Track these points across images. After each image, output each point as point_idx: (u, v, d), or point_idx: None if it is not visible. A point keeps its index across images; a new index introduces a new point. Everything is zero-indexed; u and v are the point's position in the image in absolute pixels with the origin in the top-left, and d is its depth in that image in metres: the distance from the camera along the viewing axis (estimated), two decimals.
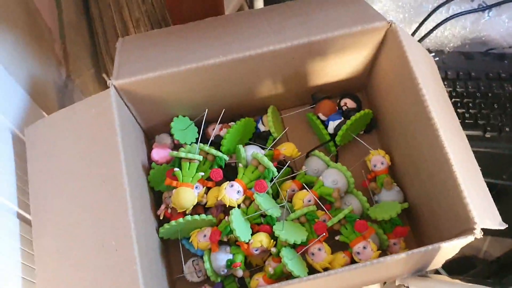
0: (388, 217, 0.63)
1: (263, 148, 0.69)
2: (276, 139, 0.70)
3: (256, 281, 0.62)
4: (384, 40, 0.65)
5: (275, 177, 0.65)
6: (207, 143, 0.68)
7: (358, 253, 0.62)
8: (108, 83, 0.60)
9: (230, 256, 0.62)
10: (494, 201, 0.59)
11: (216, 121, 0.70)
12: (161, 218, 0.65)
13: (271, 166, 0.63)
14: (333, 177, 0.66)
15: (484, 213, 0.54)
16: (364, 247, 0.62)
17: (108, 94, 0.59)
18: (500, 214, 0.58)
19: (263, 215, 0.64)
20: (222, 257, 0.62)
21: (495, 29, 0.90)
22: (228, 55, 0.61)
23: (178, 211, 0.63)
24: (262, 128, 0.73)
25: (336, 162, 0.72)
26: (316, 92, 0.74)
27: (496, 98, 0.84)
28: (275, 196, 0.68)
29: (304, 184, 0.67)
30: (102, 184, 0.55)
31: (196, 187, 0.64)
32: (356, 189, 0.68)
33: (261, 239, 0.61)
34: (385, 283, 0.71)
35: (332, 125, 0.71)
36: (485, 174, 0.62)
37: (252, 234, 0.62)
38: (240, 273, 0.62)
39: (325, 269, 0.62)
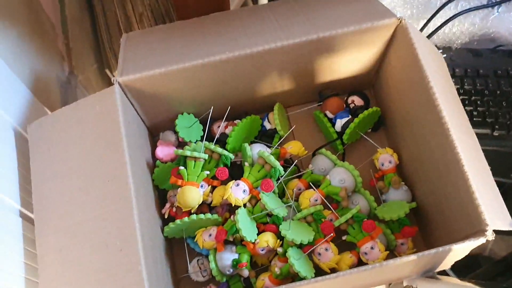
0: (396, 217, 0.62)
1: (269, 147, 0.68)
2: (282, 137, 0.69)
3: (262, 281, 0.61)
4: (394, 37, 0.63)
5: (281, 176, 0.64)
6: (212, 141, 0.67)
7: (366, 253, 0.61)
8: (112, 80, 0.59)
9: (236, 256, 0.61)
10: None
11: (221, 118, 0.69)
12: (165, 217, 0.65)
13: (278, 165, 0.62)
14: (340, 176, 0.65)
15: (495, 214, 0.53)
16: (372, 247, 0.61)
17: (113, 91, 0.58)
18: None
19: (269, 214, 0.63)
20: (227, 257, 0.61)
21: (504, 25, 0.89)
22: (235, 51, 0.60)
23: (183, 210, 0.62)
24: (268, 126, 0.72)
25: (343, 160, 0.71)
26: (323, 90, 0.73)
27: (505, 96, 0.83)
28: (281, 195, 0.67)
29: (310, 183, 0.66)
30: (107, 182, 0.55)
31: (202, 186, 0.63)
32: (364, 188, 0.67)
33: (267, 239, 0.60)
34: (390, 284, 0.70)
35: (339, 123, 0.70)
36: (492, 172, 0.61)
37: (258, 234, 0.61)
38: (246, 273, 0.61)
39: (332, 270, 0.61)
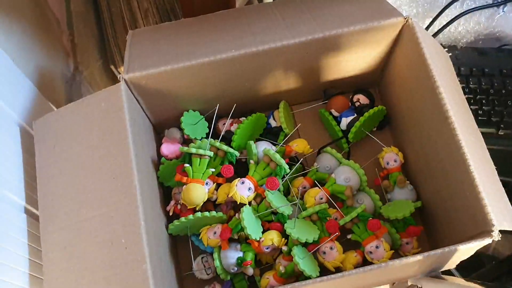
0: (401, 216, 0.62)
1: (274, 144, 0.68)
2: (288, 135, 0.69)
3: (267, 280, 0.61)
4: (400, 36, 0.63)
5: (286, 174, 0.64)
6: (218, 138, 0.67)
7: (371, 252, 0.61)
8: (118, 77, 0.58)
9: (241, 254, 0.62)
10: None
11: (227, 115, 0.69)
12: (170, 214, 0.65)
13: (283, 163, 0.62)
14: (346, 175, 0.65)
15: (501, 215, 0.53)
16: (377, 247, 0.61)
17: (119, 88, 0.57)
18: None
19: (274, 212, 0.63)
20: (232, 255, 0.61)
21: (509, 25, 0.88)
22: (241, 50, 0.60)
23: (188, 208, 0.62)
24: (273, 123, 0.72)
25: (348, 159, 0.71)
26: (328, 88, 0.73)
27: (510, 95, 0.82)
28: (286, 192, 0.67)
29: (315, 181, 0.66)
30: (112, 180, 0.54)
31: (207, 183, 0.63)
32: (369, 187, 0.66)
33: (272, 237, 0.60)
34: (394, 283, 0.70)
35: (344, 121, 0.69)
36: (498, 172, 0.61)
37: (263, 232, 0.61)
38: (250, 271, 0.61)
39: (337, 268, 0.61)
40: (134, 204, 0.53)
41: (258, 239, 0.60)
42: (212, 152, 0.63)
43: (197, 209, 0.63)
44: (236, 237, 0.62)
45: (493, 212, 0.51)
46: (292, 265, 0.60)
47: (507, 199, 0.58)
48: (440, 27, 0.87)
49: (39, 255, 0.55)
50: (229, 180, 0.64)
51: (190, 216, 0.60)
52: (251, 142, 0.65)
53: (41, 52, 0.73)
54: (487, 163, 0.60)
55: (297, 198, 0.64)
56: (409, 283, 0.63)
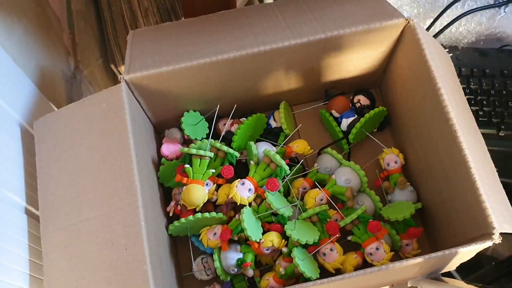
0: (402, 217, 0.62)
1: (274, 145, 0.68)
2: (288, 136, 0.69)
3: (267, 281, 0.61)
4: (401, 37, 0.63)
5: (287, 175, 0.64)
6: (218, 139, 0.67)
7: (371, 254, 0.61)
8: (119, 78, 0.58)
9: (240, 255, 0.62)
10: None
11: (227, 116, 0.69)
12: (170, 215, 0.64)
13: (284, 164, 0.62)
14: (346, 176, 0.65)
15: (502, 217, 0.53)
16: (377, 248, 0.61)
17: (119, 89, 0.57)
18: None
19: (275, 213, 0.63)
20: (232, 256, 0.61)
21: (510, 25, 0.88)
22: (242, 50, 0.59)
23: (188, 208, 0.62)
24: (273, 124, 0.72)
25: (348, 160, 0.71)
26: (329, 88, 0.73)
27: (511, 96, 0.83)
28: (286, 193, 0.67)
29: (316, 182, 0.66)
30: (112, 180, 0.54)
31: (207, 184, 0.63)
32: (369, 188, 0.66)
33: (272, 239, 0.60)
34: (393, 285, 0.70)
35: (345, 122, 0.69)
36: (498, 173, 0.60)
37: (263, 233, 0.61)
38: (250, 272, 0.61)
39: (337, 270, 0.61)
40: (135, 204, 0.53)
41: (258, 240, 0.60)
42: (213, 153, 0.63)
43: (197, 209, 0.63)
44: (236, 238, 0.62)
45: (493, 214, 0.51)
46: (292, 266, 0.60)
47: (508, 201, 0.58)
48: (441, 28, 0.87)
49: (40, 255, 0.55)
50: (229, 180, 0.64)
51: (190, 217, 0.60)
52: (251, 142, 0.65)
53: (42, 51, 0.73)
54: (487, 164, 0.60)
55: (297, 199, 0.64)
56: (409, 285, 0.63)
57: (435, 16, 0.87)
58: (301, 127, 0.73)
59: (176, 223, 0.61)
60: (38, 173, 0.58)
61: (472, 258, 0.58)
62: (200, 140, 0.66)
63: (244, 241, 0.63)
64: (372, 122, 0.70)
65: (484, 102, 0.83)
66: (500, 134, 0.81)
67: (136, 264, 0.51)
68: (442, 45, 0.87)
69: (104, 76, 1.00)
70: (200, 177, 0.62)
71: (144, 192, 0.55)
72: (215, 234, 0.62)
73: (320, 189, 0.64)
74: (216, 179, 0.65)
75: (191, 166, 0.62)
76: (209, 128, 0.69)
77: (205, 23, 0.66)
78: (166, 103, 0.66)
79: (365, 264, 0.62)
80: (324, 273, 0.60)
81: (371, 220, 0.61)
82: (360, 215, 0.61)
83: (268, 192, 0.61)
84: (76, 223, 0.54)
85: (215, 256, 0.61)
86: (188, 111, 0.68)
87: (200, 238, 0.63)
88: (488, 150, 0.62)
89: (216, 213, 0.62)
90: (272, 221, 0.63)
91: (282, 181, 0.64)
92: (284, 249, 0.61)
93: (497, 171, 0.61)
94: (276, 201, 0.61)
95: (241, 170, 0.67)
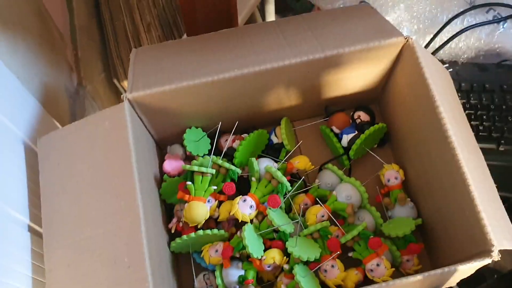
0: (402, 234, 0.62)
1: (275, 161, 0.69)
2: (289, 152, 0.69)
3: None
4: (400, 55, 0.64)
5: (288, 192, 0.65)
6: (220, 155, 0.68)
7: (371, 270, 0.61)
8: (122, 97, 0.59)
9: (242, 272, 0.62)
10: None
11: (229, 131, 0.70)
12: (172, 232, 0.65)
13: (285, 181, 0.62)
14: (347, 192, 0.65)
15: (501, 234, 0.53)
16: (378, 264, 0.61)
17: (122, 108, 0.58)
18: None
19: (276, 230, 0.63)
20: (234, 273, 0.61)
21: (509, 41, 0.89)
22: (243, 69, 0.60)
23: (190, 225, 0.63)
24: (275, 140, 0.72)
25: (349, 175, 0.71)
26: (329, 105, 0.73)
27: (510, 111, 0.83)
28: (288, 209, 0.68)
29: (317, 198, 0.67)
30: (115, 198, 0.55)
31: (209, 201, 0.63)
32: (370, 204, 0.67)
33: (274, 256, 0.61)
34: None
35: (346, 138, 0.70)
36: (497, 188, 0.61)
37: (264, 250, 0.62)
38: None
39: (338, 286, 0.62)
40: (137, 223, 0.53)
41: (259, 257, 0.60)
42: (214, 170, 0.63)
43: (199, 226, 0.63)
44: (237, 255, 0.62)
45: (492, 231, 0.51)
46: (293, 283, 0.60)
47: (507, 217, 0.59)
48: (441, 43, 0.88)
49: (43, 273, 0.55)
50: (231, 197, 0.65)
51: (192, 234, 0.61)
52: (253, 159, 0.65)
53: (45, 67, 0.74)
54: (487, 181, 0.60)
55: (299, 216, 0.65)
56: None
57: (435, 32, 0.87)
58: (302, 142, 0.74)
59: (178, 240, 0.62)
60: (42, 190, 0.58)
61: (474, 272, 0.58)
62: (202, 156, 0.67)
63: (245, 258, 0.64)
64: (372, 138, 0.70)
65: (484, 117, 0.83)
66: (500, 149, 0.81)
67: (139, 283, 0.51)
68: (442, 60, 0.88)
69: (107, 91, 1.01)
70: (202, 193, 0.62)
71: (146, 210, 0.56)
72: (216, 251, 0.62)
73: (321, 205, 0.65)
74: (218, 196, 0.65)
75: (193, 182, 0.63)
76: (211, 144, 0.70)
77: (207, 42, 0.67)
78: (169, 120, 0.67)
79: (366, 280, 0.63)
80: None
81: (371, 236, 0.62)
82: (361, 232, 0.62)
83: (270, 209, 0.62)
84: (79, 241, 0.55)
85: (217, 273, 0.62)
86: (190, 128, 0.69)
87: (202, 255, 0.64)
88: (488, 164, 0.63)
89: (218, 229, 0.62)
90: (273, 238, 0.64)
91: (284, 198, 0.65)
92: (286, 266, 0.62)
93: (497, 185, 0.61)
94: (277, 218, 0.61)
95: (243, 186, 0.67)
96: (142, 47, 0.71)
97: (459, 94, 0.84)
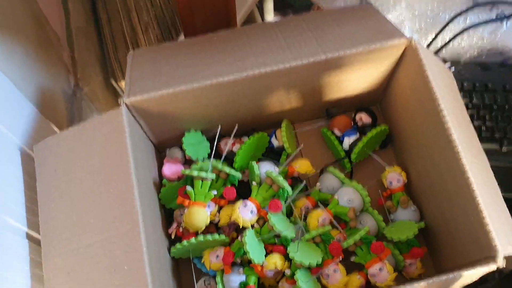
0: (405, 238, 0.61)
1: (276, 164, 0.68)
2: (291, 156, 0.68)
3: None
4: (403, 57, 0.63)
5: (289, 196, 0.64)
6: (220, 158, 0.67)
7: (374, 275, 0.60)
8: (119, 101, 0.58)
9: (243, 278, 0.61)
10: None
11: (228, 135, 0.69)
12: (172, 237, 0.64)
13: (287, 186, 0.61)
14: (349, 196, 0.64)
15: (506, 239, 0.53)
16: (380, 269, 0.60)
17: (120, 113, 0.57)
18: None
19: (277, 234, 0.62)
20: (235, 279, 0.61)
21: None
22: (243, 72, 0.59)
23: (190, 231, 0.62)
24: (275, 143, 0.71)
25: (351, 178, 0.70)
26: (330, 107, 0.72)
27: None
28: (289, 213, 0.67)
29: (318, 202, 0.66)
30: (114, 205, 0.54)
31: (209, 206, 0.62)
32: (372, 207, 0.66)
33: (275, 261, 0.60)
34: None
35: (347, 141, 0.69)
36: (500, 189, 0.60)
37: (266, 255, 0.61)
38: None
39: None
40: (136, 230, 0.52)
41: (261, 263, 0.59)
42: (214, 175, 0.62)
43: (199, 232, 0.62)
44: (238, 260, 0.61)
45: (497, 237, 0.50)
46: None
47: (511, 220, 0.58)
48: (443, 43, 0.87)
49: (41, 280, 0.54)
50: (231, 201, 0.64)
51: (192, 240, 0.60)
52: (253, 163, 0.64)
53: (42, 71, 0.73)
54: (491, 184, 0.59)
55: (300, 220, 0.64)
56: None
57: (437, 31, 0.87)
58: (303, 145, 0.73)
59: (178, 245, 0.61)
60: (39, 197, 0.58)
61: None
62: (202, 160, 0.66)
63: (247, 263, 0.63)
64: (374, 141, 0.69)
65: (487, 117, 0.82)
66: (502, 149, 0.80)
67: None
68: (444, 59, 0.87)
69: (105, 92, 1.00)
70: (202, 198, 0.61)
71: (146, 216, 0.55)
72: (217, 256, 0.61)
73: (323, 209, 0.64)
74: (218, 201, 0.64)
75: (192, 187, 0.62)
76: (211, 148, 0.69)
77: (206, 44, 0.66)
78: (167, 124, 0.66)
79: (368, 285, 0.62)
80: None
81: (374, 241, 0.61)
82: (363, 236, 0.61)
83: (271, 214, 0.61)
84: (77, 248, 0.54)
85: (218, 279, 0.61)
86: (189, 131, 0.68)
87: (202, 261, 0.63)
88: (491, 165, 0.62)
89: (219, 234, 0.62)
90: (275, 243, 0.63)
91: (285, 202, 0.64)
92: (287, 271, 0.61)
93: (500, 186, 0.60)
94: (278, 223, 0.60)
95: (244, 190, 0.66)
96: (139, 49, 0.70)
97: (461, 94, 0.83)
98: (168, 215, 0.67)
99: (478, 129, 0.81)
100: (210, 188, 0.63)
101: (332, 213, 0.64)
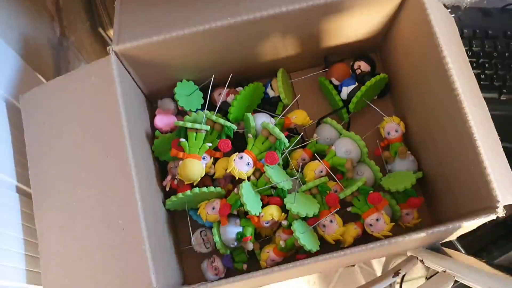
0: (403, 188, 0.61)
1: (272, 116, 0.66)
2: (287, 106, 0.66)
3: (267, 254, 0.61)
4: (405, 1, 0.60)
5: (286, 148, 0.62)
6: (213, 109, 0.65)
7: (371, 225, 0.60)
8: (108, 49, 0.55)
9: (240, 229, 0.61)
10: None
11: (222, 85, 0.67)
12: (167, 189, 0.63)
13: (283, 137, 0.60)
14: (346, 147, 0.63)
15: (506, 189, 0.52)
16: (377, 219, 0.60)
17: (109, 61, 0.54)
18: None
19: (274, 186, 0.61)
20: (232, 230, 0.60)
21: None
22: (237, 17, 0.56)
23: (185, 183, 0.61)
24: (271, 93, 0.69)
25: (348, 129, 0.69)
26: (329, 55, 0.70)
27: None
28: (285, 165, 0.66)
29: (315, 154, 0.65)
30: (106, 158, 0.53)
31: (204, 158, 0.61)
32: (369, 158, 0.65)
33: (272, 212, 0.59)
34: None
35: (345, 90, 0.67)
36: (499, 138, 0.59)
37: (262, 206, 0.60)
38: (250, 246, 0.60)
39: (336, 241, 0.61)
40: (130, 184, 0.51)
41: (258, 214, 0.58)
42: (209, 126, 0.60)
43: (194, 184, 0.61)
44: (235, 212, 0.61)
45: (498, 187, 0.50)
46: (292, 239, 0.59)
47: (511, 171, 0.57)
48: None
49: (34, 233, 0.53)
50: (227, 154, 0.62)
51: (188, 192, 0.59)
52: (249, 114, 0.62)
53: (25, 19, 0.69)
54: (491, 134, 0.58)
55: (297, 171, 0.63)
56: (409, 254, 0.62)
57: None
58: (299, 95, 0.71)
59: (173, 198, 0.60)
60: (28, 150, 0.56)
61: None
62: (195, 112, 0.64)
63: (243, 215, 0.62)
64: (372, 90, 0.67)
65: (486, 65, 0.80)
66: (502, 98, 0.79)
67: (134, 245, 0.50)
68: (444, 5, 0.84)
69: (92, 41, 0.96)
70: (196, 151, 0.60)
71: (139, 169, 0.53)
72: (213, 208, 0.61)
73: (319, 161, 0.63)
74: (213, 153, 0.63)
75: (186, 139, 0.60)
76: (204, 98, 0.66)
77: None
78: (158, 73, 0.63)
79: (364, 235, 0.62)
80: (324, 244, 0.60)
81: (371, 191, 0.60)
82: (360, 187, 0.60)
83: (267, 166, 0.60)
84: (70, 203, 0.53)
85: (215, 231, 0.61)
86: (181, 81, 0.66)
87: (198, 213, 0.62)
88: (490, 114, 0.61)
89: (214, 187, 0.61)
90: (271, 194, 0.62)
91: (282, 154, 0.62)
92: (284, 222, 0.60)
93: (498, 135, 0.59)
94: (275, 175, 0.59)
95: (239, 143, 0.65)
96: None
97: (461, 41, 0.80)
98: (162, 167, 0.66)
99: (477, 77, 0.78)
100: (205, 140, 0.61)
101: (329, 164, 0.63)
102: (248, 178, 0.61)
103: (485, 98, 0.61)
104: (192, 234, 0.64)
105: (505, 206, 0.50)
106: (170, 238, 0.62)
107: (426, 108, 0.61)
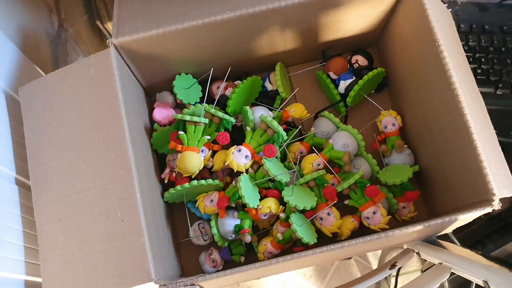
0: (399, 181, 0.61)
1: (270, 109, 0.66)
2: (285, 100, 0.67)
3: (264, 246, 0.61)
4: None
5: (284, 141, 0.63)
6: (212, 103, 0.65)
7: (368, 217, 0.61)
8: (107, 42, 0.55)
9: (238, 222, 0.61)
10: None
11: (221, 78, 0.67)
12: (165, 182, 0.63)
13: (281, 130, 0.60)
14: (344, 141, 0.63)
15: (501, 182, 0.53)
16: (374, 212, 0.60)
17: (108, 54, 0.55)
18: None
19: (272, 179, 0.62)
20: (230, 223, 0.60)
21: None
22: (236, 11, 0.56)
23: (184, 175, 0.61)
24: (269, 87, 0.69)
25: (345, 123, 0.69)
26: (327, 49, 0.70)
27: (510, 54, 0.81)
28: (283, 158, 0.66)
29: (313, 147, 0.65)
30: (105, 151, 0.53)
31: (202, 151, 0.61)
32: (366, 152, 0.65)
33: (270, 205, 0.60)
34: None
35: (343, 84, 0.67)
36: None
37: (260, 199, 0.60)
38: (248, 238, 0.61)
39: (334, 234, 0.61)
40: (130, 176, 0.51)
41: (255, 207, 0.59)
42: (207, 119, 0.61)
43: (192, 176, 0.61)
44: (233, 205, 0.61)
45: (494, 181, 0.50)
46: (289, 232, 0.59)
47: (506, 165, 0.58)
48: None
49: (33, 225, 0.54)
50: (225, 147, 0.63)
51: (186, 184, 0.59)
52: (247, 107, 0.63)
53: (24, 11, 0.69)
54: (488, 129, 0.59)
55: (295, 164, 0.63)
56: (405, 246, 0.63)
57: None
58: (297, 89, 0.71)
59: (171, 190, 0.60)
60: (27, 142, 0.56)
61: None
62: (194, 105, 0.64)
63: (241, 207, 0.63)
64: (370, 84, 0.68)
65: (483, 59, 0.81)
66: (497, 92, 0.79)
67: (133, 237, 0.50)
68: (441, 0, 0.84)
69: (90, 34, 0.96)
70: (195, 144, 0.60)
71: (138, 162, 0.54)
72: (211, 201, 0.61)
73: (317, 154, 0.63)
74: (211, 146, 0.63)
75: (185, 132, 0.61)
76: (203, 91, 0.67)
77: None
78: (157, 66, 0.64)
79: (361, 227, 0.63)
80: (321, 237, 0.61)
81: (368, 185, 0.61)
82: (357, 180, 0.61)
83: (265, 158, 0.60)
84: (69, 195, 0.53)
85: (213, 223, 0.61)
86: (180, 74, 0.66)
87: (196, 205, 0.62)
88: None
89: (212, 179, 0.61)
90: (269, 187, 0.62)
91: (279, 147, 0.63)
92: (282, 215, 0.61)
93: (494, 130, 0.60)
94: (273, 168, 0.60)
95: (237, 136, 0.65)
96: None
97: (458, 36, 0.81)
98: (161, 160, 0.66)
99: (473, 72, 0.79)
100: (203, 133, 0.61)
101: (327, 157, 0.63)
102: (246, 171, 0.61)
103: (481, 93, 0.62)
104: (190, 226, 0.65)
105: (500, 200, 0.51)
106: (169, 230, 0.63)
107: (423, 102, 0.61)
